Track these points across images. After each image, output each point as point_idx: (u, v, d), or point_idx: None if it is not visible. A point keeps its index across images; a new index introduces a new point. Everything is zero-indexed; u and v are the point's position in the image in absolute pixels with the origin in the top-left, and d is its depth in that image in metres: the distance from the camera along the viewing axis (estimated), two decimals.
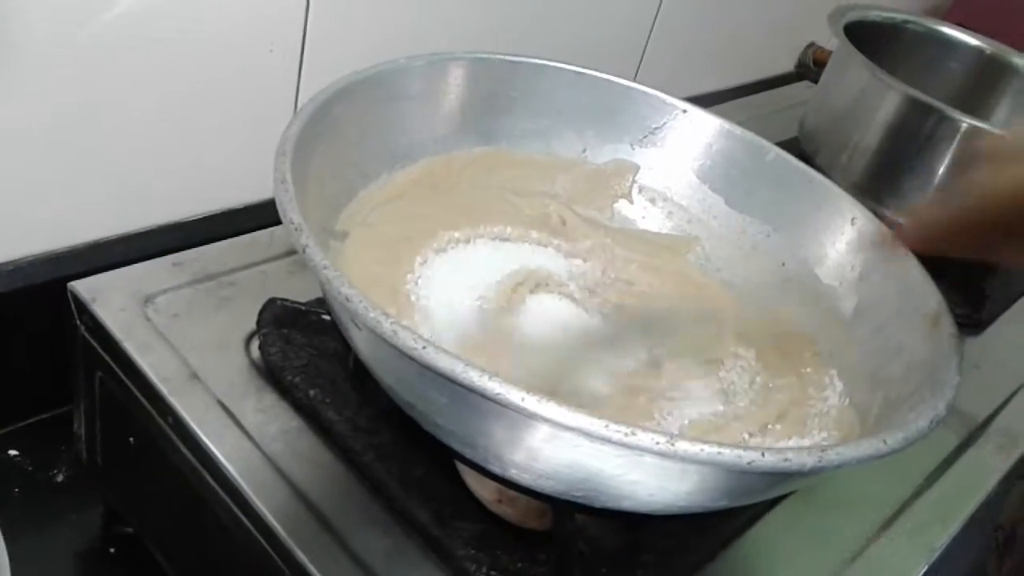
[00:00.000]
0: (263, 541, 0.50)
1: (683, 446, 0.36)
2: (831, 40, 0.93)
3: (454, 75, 0.64)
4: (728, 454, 0.36)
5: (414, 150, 0.63)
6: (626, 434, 0.35)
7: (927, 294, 0.55)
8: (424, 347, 0.37)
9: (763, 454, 0.36)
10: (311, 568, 0.48)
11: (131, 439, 0.61)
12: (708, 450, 0.36)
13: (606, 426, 0.35)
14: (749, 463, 0.36)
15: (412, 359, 0.37)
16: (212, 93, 0.70)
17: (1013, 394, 0.78)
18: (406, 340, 0.37)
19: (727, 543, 0.57)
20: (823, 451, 0.38)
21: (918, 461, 0.67)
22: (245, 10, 0.68)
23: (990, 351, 0.82)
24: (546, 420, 0.36)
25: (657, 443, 0.35)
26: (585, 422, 0.36)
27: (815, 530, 0.59)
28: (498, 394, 0.36)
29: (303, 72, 0.74)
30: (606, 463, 0.40)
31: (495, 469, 0.45)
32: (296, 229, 0.43)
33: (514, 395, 0.36)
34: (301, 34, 0.72)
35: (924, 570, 0.59)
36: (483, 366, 0.37)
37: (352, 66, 0.57)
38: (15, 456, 0.70)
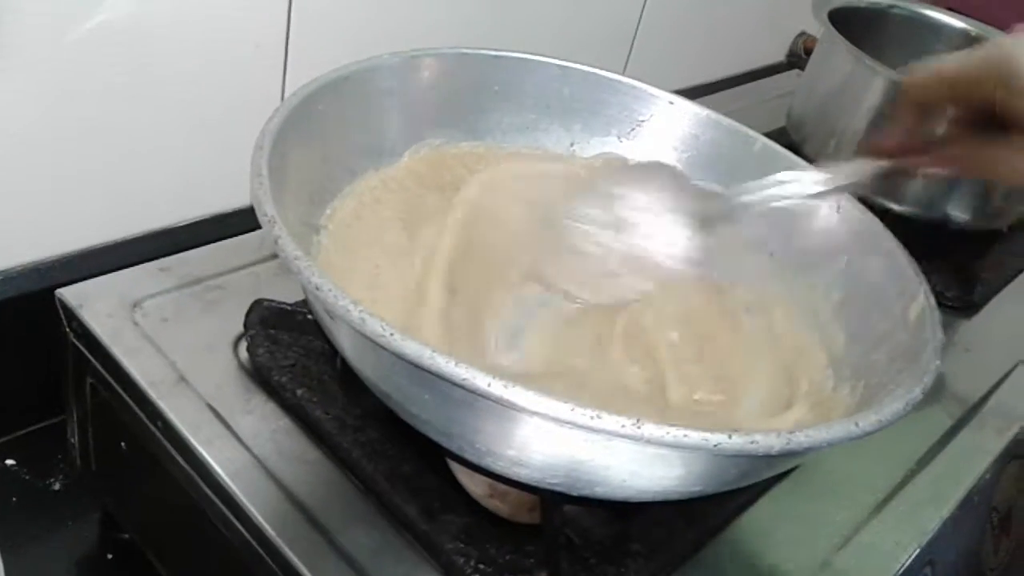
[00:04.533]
0: (253, 541, 0.50)
1: (648, 429, 0.36)
2: (821, 29, 0.93)
3: (437, 71, 0.64)
4: (694, 436, 0.36)
5: (400, 146, 0.63)
6: (591, 417, 0.35)
7: (911, 281, 0.55)
8: (392, 334, 0.37)
9: (729, 436, 0.36)
10: (300, 566, 0.48)
11: (123, 444, 0.61)
12: (674, 432, 0.36)
13: (571, 410, 0.35)
14: (715, 446, 0.36)
15: (380, 347, 0.37)
16: (197, 95, 0.70)
17: (1006, 375, 0.77)
18: (374, 328, 0.38)
19: (717, 532, 0.57)
20: (791, 433, 0.37)
21: (910, 444, 0.67)
22: (228, 8, 0.68)
23: (982, 333, 0.82)
24: (513, 406, 0.36)
25: (623, 426, 0.35)
26: (550, 406, 0.36)
27: (806, 516, 0.60)
28: (464, 379, 0.36)
29: (288, 70, 0.74)
30: (576, 449, 0.40)
31: (471, 458, 0.45)
32: (269, 221, 0.43)
33: (480, 380, 0.36)
34: (285, 30, 0.72)
35: (916, 553, 0.59)
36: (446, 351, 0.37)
37: (338, 62, 0.58)
38: (12, 466, 0.70)
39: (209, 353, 0.59)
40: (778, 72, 1.32)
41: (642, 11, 1.05)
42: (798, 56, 1.35)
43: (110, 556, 0.68)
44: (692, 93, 0.69)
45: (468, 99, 0.66)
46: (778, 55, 1.36)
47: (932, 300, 0.53)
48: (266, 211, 0.44)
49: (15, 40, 0.59)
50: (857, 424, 0.40)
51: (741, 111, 0.69)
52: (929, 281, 0.55)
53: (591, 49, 0.99)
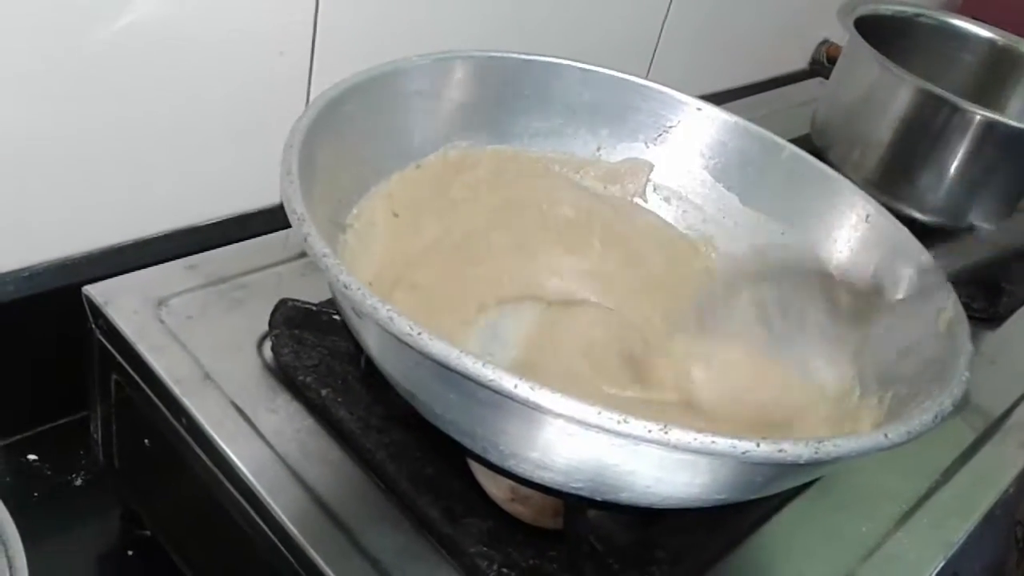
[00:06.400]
0: (276, 540, 0.51)
1: (676, 434, 0.35)
2: (844, 36, 0.93)
3: (465, 73, 0.64)
4: (722, 443, 0.36)
5: (427, 147, 0.63)
6: (618, 421, 0.35)
7: (940, 291, 0.54)
8: (419, 333, 0.37)
9: (758, 444, 0.36)
10: (323, 566, 0.48)
11: (146, 441, 0.61)
12: (701, 438, 0.35)
13: (598, 413, 0.35)
14: (743, 453, 0.36)
15: (408, 346, 0.37)
16: (224, 97, 0.70)
17: None
18: (402, 327, 0.37)
19: (741, 539, 0.57)
20: (820, 443, 0.37)
21: (935, 456, 0.67)
22: (254, 14, 0.68)
23: (1007, 345, 0.82)
24: (539, 407, 0.36)
25: (650, 431, 0.35)
26: (578, 409, 0.36)
27: (830, 526, 0.59)
28: (491, 380, 0.36)
29: (314, 74, 0.74)
30: (601, 453, 0.39)
31: (495, 459, 0.45)
32: (299, 219, 0.43)
33: (507, 381, 0.36)
34: (311, 36, 0.72)
35: (941, 565, 0.58)
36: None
37: (363, 67, 0.58)
38: (34, 461, 0.70)
39: (234, 352, 0.59)
40: (800, 79, 1.31)
41: (665, 17, 1.04)
42: (821, 63, 1.34)
43: (131, 552, 0.68)
44: (713, 99, 0.69)
45: (496, 102, 0.66)
46: (801, 62, 1.36)
47: (961, 310, 0.52)
48: (296, 209, 0.44)
49: (42, 38, 0.59)
50: (886, 435, 0.39)
51: (764, 118, 0.68)
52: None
53: (613, 55, 0.99)
